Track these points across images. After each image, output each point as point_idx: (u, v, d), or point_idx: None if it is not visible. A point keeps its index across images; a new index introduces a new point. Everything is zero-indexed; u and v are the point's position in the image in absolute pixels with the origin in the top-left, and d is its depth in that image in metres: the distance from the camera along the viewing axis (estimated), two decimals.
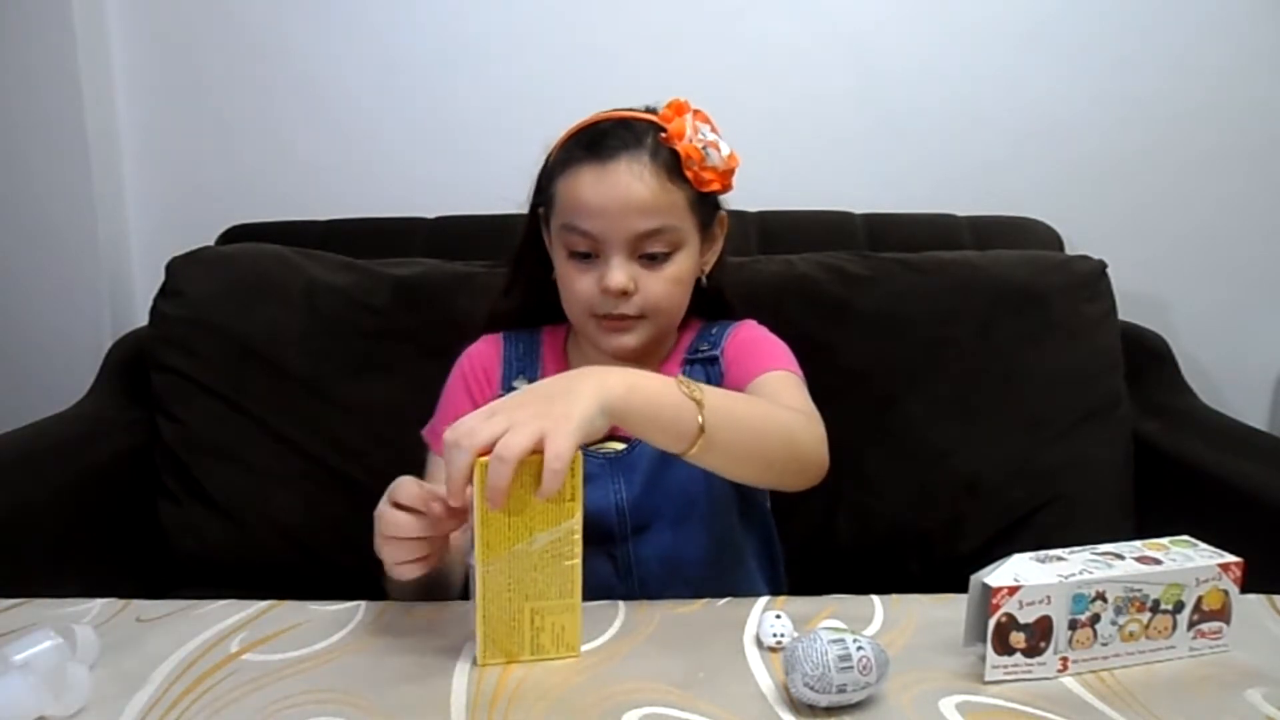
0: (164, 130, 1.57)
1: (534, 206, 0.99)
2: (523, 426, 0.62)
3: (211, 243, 1.40)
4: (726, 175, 0.91)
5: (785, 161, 1.49)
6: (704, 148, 0.88)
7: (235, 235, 1.42)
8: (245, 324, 1.25)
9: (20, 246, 1.53)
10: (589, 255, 0.90)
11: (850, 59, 1.52)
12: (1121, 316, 1.30)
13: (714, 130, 0.91)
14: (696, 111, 0.91)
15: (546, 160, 0.95)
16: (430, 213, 1.46)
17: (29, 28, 1.46)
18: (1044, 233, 1.42)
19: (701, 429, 0.70)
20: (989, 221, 1.42)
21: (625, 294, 0.89)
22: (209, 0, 1.53)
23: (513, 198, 1.01)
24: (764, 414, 0.80)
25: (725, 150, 0.90)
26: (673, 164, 0.89)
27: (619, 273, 0.88)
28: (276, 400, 1.25)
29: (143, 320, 1.31)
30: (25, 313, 1.55)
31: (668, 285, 0.91)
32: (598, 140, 0.89)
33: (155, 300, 1.29)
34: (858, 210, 1.44)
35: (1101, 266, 1.29)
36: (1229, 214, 1.55)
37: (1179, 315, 1.55)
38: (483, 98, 1.54)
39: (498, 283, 1.07)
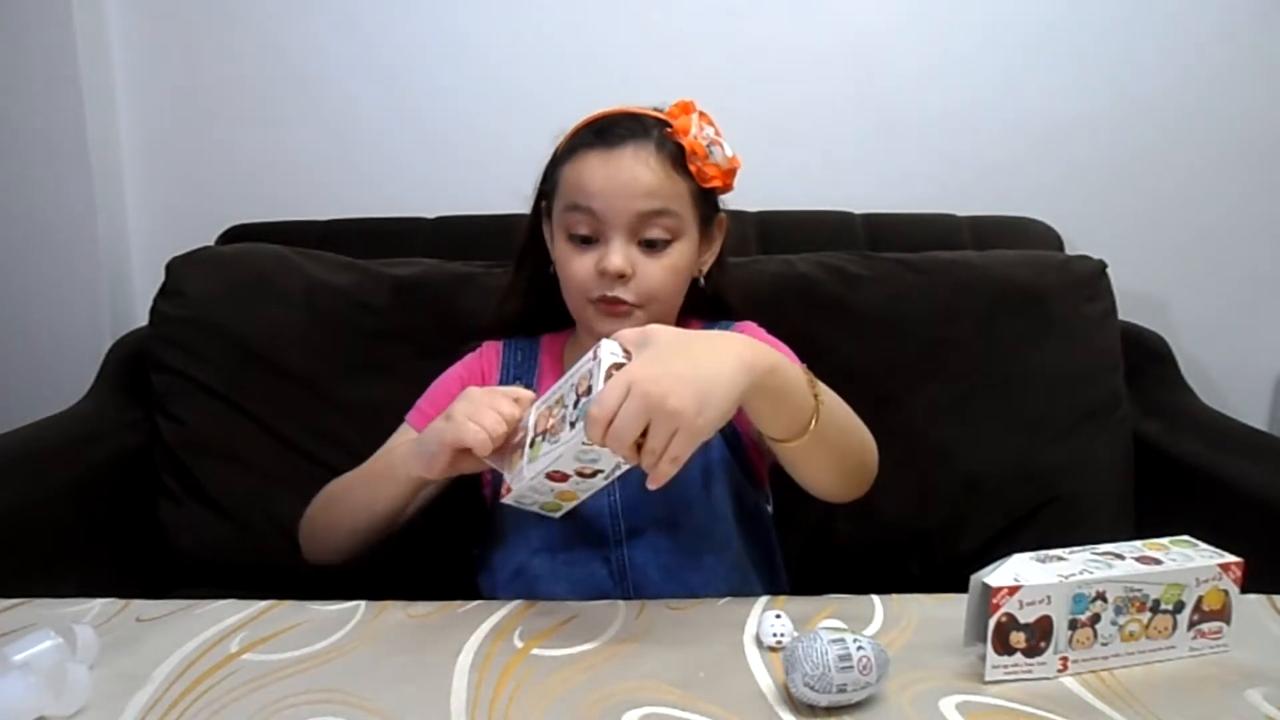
0: (164, 130, 1.57)
1: (538, 198, 1.00)
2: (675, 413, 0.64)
3: (211, 243, 1.40)
4: (728, 174, 0.93)
5: (785, 162, 1.49)
6: (708, 145, 0.91)
7: (235, 235, 1.42)
8: (245, 324, 1.25)
9: (20, 247, 1.53)
10: (589, 240, 0.92)
11: (850, 60, 1.52)
12: (1121, 316, 1.30)
13: (717, 132, 0.93)
14: (701, 113, 0.93)
15: (555, 152, 0.97)
16: (430, 213, 1.46)
17: (29, 29, 1.46)
18: (1044, 233, 1.42)
19: (810, 427, 0.72)
20: (989, 221, 1.42)
21: (623, 277, 0.90)
22: (209, 1, 1.53)
23: (513, 195, 1.01)
24: (854, 424, 0.83)
25: (728, 150, 0.93)
26: (677, 156, 0.91)
27: (618, 255, 0.89)
28: (276, 400, 1.25)
29: (143, 320, 1.31)
30: (25, 313, 1.54)
31: (665, 274, 0.92)
32: (606, 129, 0.92)
33: (155, 300, 1.28)
34: (858, 210, 1.44)
35: (1101, 266, 1.29)
36: (1229, 215, 1.55)
37: (1179, 315, 1.55)
38: (483, 98, 1.54)
39: (498, 283, 1.07)
